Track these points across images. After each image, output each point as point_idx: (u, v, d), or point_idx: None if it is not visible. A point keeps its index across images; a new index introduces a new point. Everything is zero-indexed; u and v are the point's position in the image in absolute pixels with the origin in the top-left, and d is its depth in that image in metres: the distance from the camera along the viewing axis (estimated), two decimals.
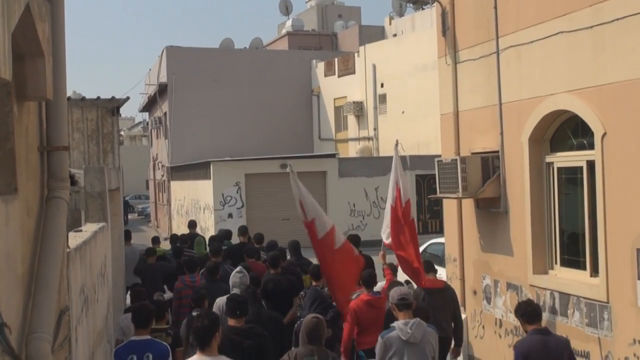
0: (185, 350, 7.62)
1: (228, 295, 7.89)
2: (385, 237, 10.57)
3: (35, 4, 3.91)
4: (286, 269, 11.10)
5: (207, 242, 15.20)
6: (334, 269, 9.07)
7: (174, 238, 16.95)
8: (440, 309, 9.38)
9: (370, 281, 8.81)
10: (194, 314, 8.06)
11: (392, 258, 10.79)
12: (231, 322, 7.26)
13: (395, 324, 7.08)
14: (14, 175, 4.01)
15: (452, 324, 9.66)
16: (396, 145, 10.85)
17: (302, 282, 10.82)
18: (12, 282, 3.85)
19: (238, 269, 9.56)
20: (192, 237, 16.16)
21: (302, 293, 10.00)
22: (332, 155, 31.85)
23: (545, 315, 9.09)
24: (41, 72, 4.24)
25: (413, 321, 7.01)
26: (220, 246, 12.76)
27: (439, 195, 10.83)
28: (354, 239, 11.30)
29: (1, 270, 3.57)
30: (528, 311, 7.39)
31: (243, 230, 14.43)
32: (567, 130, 9.04)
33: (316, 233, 9.13)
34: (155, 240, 15.60)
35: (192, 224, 17.75)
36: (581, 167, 8.67)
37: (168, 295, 11.59)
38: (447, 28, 11.23)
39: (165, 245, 16.95)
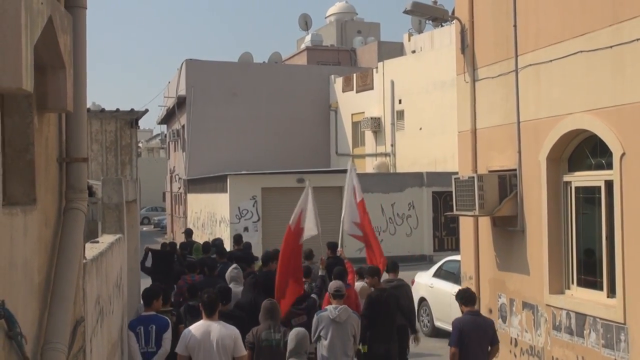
0: (185, 326, 9.40)
1: (219, 285, 9.71)
2: (352, 231, 12.84)
3: (57, 17, 3.95)
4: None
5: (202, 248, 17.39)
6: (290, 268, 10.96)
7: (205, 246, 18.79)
8: (398, 300, 10.97)
9: (342, 275, 10.65)
10: (191, 303, 10.41)
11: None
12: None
13: (327, 307, 9.27)
14: (33, 186, 4.04)
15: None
16: (351, 166, 12.80)
17: None
18: (29, 292, 3.87)
19: (234, 265, 12.15)
20: (190, 244, 18.35)
21: None
22: None
23: (560, 335, 9.04)
24: (62, 84, 4.27)
25: (341, 307, 9.09)
26: (224, 249, 15.59)
27: (455, 212, 10.81)
28: (332, 246, 13.08)
29: (18, 280, 3.59)
30: (466, 296, 9.05)
31: (238, 239, 16.71)
32: (586, 149, 9.00)
33: (299, 238, 11.22)
34: (163, 246, 17.29)
35: (189, 233, 20.29)
36: (599, 187, 8.63)
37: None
38: (466, 45, 11.24)
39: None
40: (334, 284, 9.52)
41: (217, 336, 7.83)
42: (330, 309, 9.11)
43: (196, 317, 9.37)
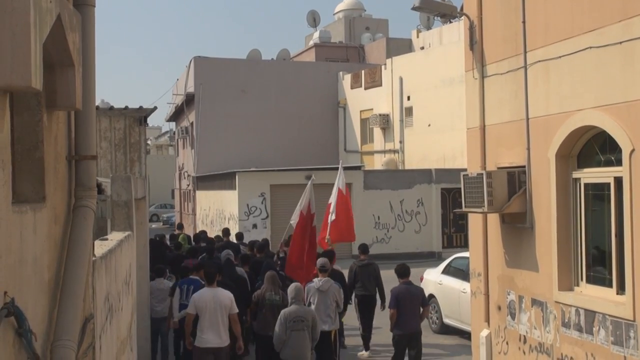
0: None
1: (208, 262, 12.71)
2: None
3: (66, 15, 3.96)
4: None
5: (187, 239, 21.15)
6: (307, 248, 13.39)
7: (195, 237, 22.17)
8: (366, 277, 14.27)
9: (329, 256, 13.01)
10: (192, 277, 12.72)
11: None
12: None
13: (314, 279, 11.97)
14: (43, 183, 4.05)
15: (376, 288, 14.34)
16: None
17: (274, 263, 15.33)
18: (38, 289, 3.89)
19: (226, 250, 15.09)
20: (177, 235, 21.64)
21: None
22: (358, 168, 31.84)
23: (569, 332, 9.02)
24: (71, 81, 4.28)
25: (324, 279, 11.78)
26: (213, 241, 18.88)
27: (464, 209, 10.79)
28: (329, 254, 13.62)
29: (28, 277, 3.61)
30: (401, 271, 11.80)
31: (226, 232, 19.83)
32: (595, 146, 8.97)
33: (313, 225, 13.72)
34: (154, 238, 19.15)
35: (180, 226, 24.51)
36: (608, 184, 8.60)
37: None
38: (474, 42, 11.21)
39: None
40: (320, 261, 12.18)
41: (219, 298, 10.37)
42: (316, 281, 11.83)
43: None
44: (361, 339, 14.38)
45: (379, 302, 14.43)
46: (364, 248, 15.04)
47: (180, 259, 16.25)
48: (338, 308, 11.97)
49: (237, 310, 10.64)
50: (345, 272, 14.35)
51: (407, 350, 11.89)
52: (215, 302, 10.34)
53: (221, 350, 10.42)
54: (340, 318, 12.91)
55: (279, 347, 10.30)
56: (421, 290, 11.96)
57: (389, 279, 12.55)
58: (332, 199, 15.24)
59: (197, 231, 26.32)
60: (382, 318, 14.24)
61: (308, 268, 13.11)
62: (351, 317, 14.68)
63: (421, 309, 11.80)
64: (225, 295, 10.50)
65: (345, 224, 15.20)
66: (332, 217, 15.15)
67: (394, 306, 11.54)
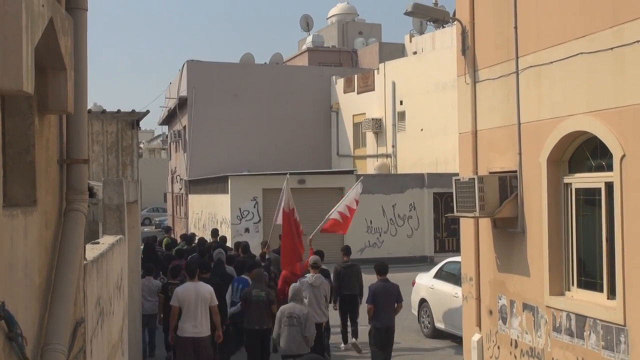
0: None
1: (198, 259, 13.92)
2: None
3: (58, 19, 3.96)
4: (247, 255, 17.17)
5: (170, 242, 21.62)
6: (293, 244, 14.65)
7: (182, 237, 23.82)
8: (351, 276, 15.05)
9: (321, 255, 14.24)
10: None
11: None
12: (200, 275, 12.22)
13: (307, 275, 13.03)
14: (34, 187, 4.05)
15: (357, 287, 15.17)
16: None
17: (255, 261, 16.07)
18: (29, 293, 3.88)
19: (218, 249, 16.27)
20: (162, 239, 22.14)
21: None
22: (350, 172, 31.84)
23: (561, 337, 9.04)
24: (63, 85, 4.28)
25: (317, 275, 12.93)
26: (205, 241, 20.15)
27: (456, 214, 10.82)
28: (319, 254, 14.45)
29: (18, 281, 3.60)
30: (380, 268, 12.77)
31: (215, 233, 20.91)
32: (586, 151, 9.01)
33: (295, 218, 14.97)
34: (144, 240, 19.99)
35: (167, 229, 25.11)
36: (599, 189, 8.63)
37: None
38: (466, 47, 11.24)
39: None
40: (312, 258, 13.41)
41: (199, 292, 11.26)
42: (309, 276, 12.92)
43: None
44: (341, 334, 15.29)
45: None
46: (347, 250, 15.92)
47: (171, 260, 16.90)
48: (326, 302, 13.20)
49: (217, 303, 11.54)
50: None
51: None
52: (196, 295, 11.23)
53: (200, 340, 11.25)
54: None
55: (276, 340, 11.25)
56: (396, 287, 12.66)
57: (374, 280, 12.93)
58: (346, 202, 16.97)
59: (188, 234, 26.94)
60: (363, 315, 14.70)
61: (300, 256, 14.36)
62: (333, 317, 14.71)
63: (396, 305, 12.57)
64: (206, 289, 11.39)
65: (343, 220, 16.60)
66: (337, 214, 16.54)
67: (371, 301, 12.40)
